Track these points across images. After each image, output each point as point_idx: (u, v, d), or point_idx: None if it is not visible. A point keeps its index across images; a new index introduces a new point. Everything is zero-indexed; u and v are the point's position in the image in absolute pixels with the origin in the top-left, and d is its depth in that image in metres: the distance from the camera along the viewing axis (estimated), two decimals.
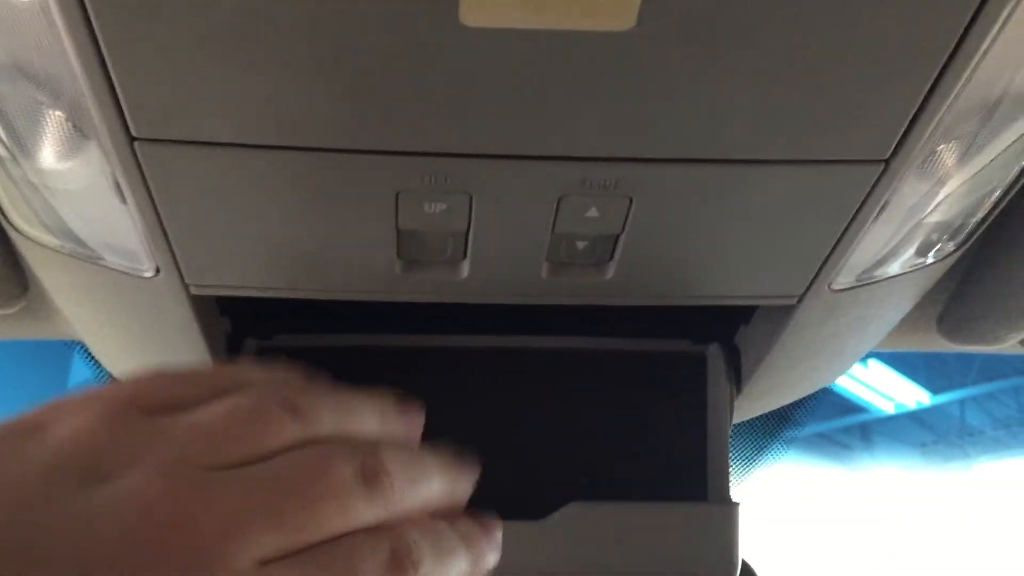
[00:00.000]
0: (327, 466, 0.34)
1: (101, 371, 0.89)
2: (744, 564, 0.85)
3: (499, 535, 0.43)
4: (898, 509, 6.58)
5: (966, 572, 6.08)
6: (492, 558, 0.41)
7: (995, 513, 6.43)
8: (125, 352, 0.68)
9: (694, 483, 0.64)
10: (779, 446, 1.09)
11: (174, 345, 0.60)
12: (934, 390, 6.97)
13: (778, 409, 0.88)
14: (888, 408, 6.99)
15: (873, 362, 6.07)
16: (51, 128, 0.45)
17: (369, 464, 0.36)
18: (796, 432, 1.09)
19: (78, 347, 0.91)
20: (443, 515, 0.40)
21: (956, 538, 6.39)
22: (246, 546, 0.31)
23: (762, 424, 1.09)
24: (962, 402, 7.21)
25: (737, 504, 0.61)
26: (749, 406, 0.72)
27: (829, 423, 7.08)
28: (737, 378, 0.67)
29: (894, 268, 0.57)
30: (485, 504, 0.64)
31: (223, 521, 0.31)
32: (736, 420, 0.75)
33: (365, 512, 0.35)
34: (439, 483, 0.40)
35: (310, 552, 0.32)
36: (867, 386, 6.49)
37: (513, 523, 0.58)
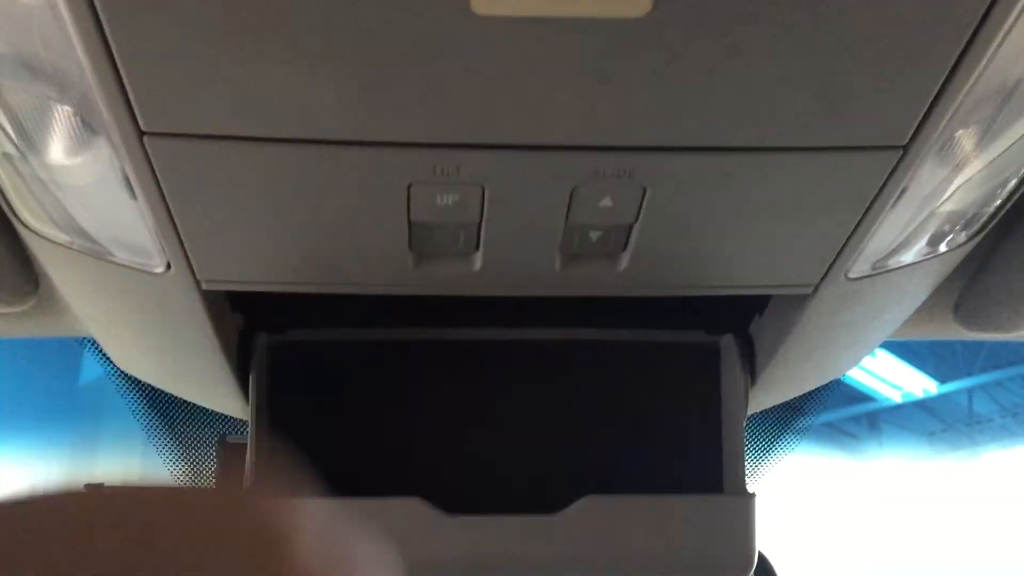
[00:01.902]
0: None
1: (112, 368, 0.88)
2: (760, 556, 0.85)
3: None
4: (906, 498, 6.57)
5: (973, 561, 6.08)
6: None
7: (1003, 501, 6.42)
8: (136, 349, 0.67)
9: (710, 474, 0.63)
10: (792, 436, 1.09)
11: (186, 341, 0.60)
12: (941, 379, 6.95)
13: (790, 400, 0.88)
14: (895, 397, 6.97)
15: (880, 351, 6.05)
16: (59, 123, 0.45)
17: None
18: (809, 422, 1.08)
19: (89, 344, 0.90)
20: None
21: (963, 526, 6.38)
22: None
23: (774, 415, 1.09)
24: (970, 390, 7.19)
25: (753, 495, 0.61)
26: (764, 397, 0.72)
27: (836, 412, 7.07)
28: (752, 369, 0.66)
29: (911, 256, 0.56)
30: (500, 497, 0.63)
31: None
32: (750, 411, 0.74)
33: None
34: None
35: None
36: (874, 375, 6.47)
37: (529, 516, 0.58)
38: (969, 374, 7.00)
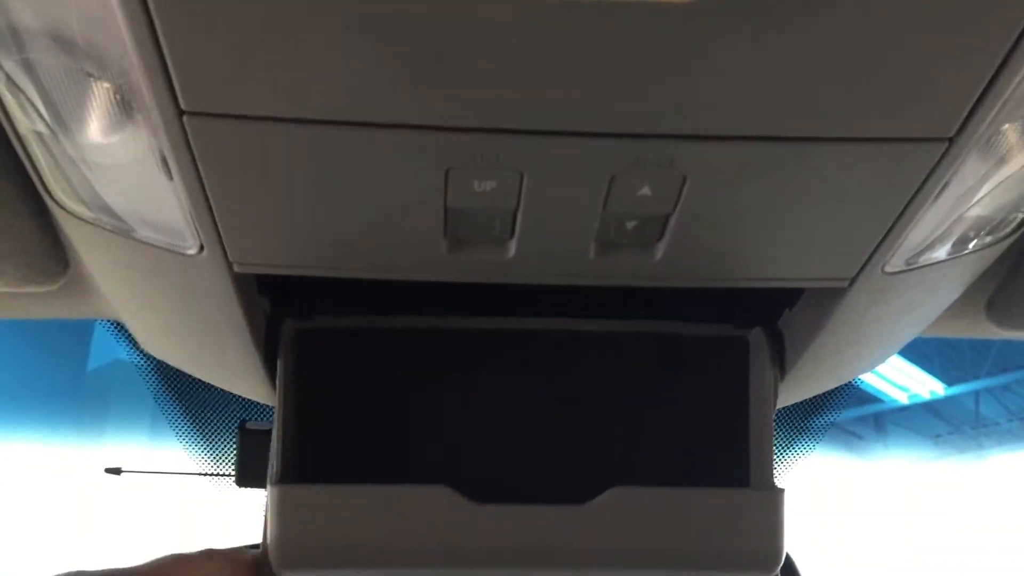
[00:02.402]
0: None
1: (135, 351, 0.88)
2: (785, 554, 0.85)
3: None
4: (911, 500, 6.56)
5: (977, 563, 6.07)
6: None
7: (1008, 504, 6.41)
8: (164, 331, 0.67)
9: (737, 469, 0.63)
10: (810, 436, 1.08)
11: (215, 325, 0.60)
12: (948, 381, 6.93)
13: (810, 398, 0.87)
14: (902, 399, 6.96)
15: None
16: (97, 101, 0.44)
17: None
18: (827, 420, 1.08)
19: (105, 327, 0.90)
20: None
21: (968, 529, 6.38)
22: None
23: (793, 414, 1.08)
24: (977, 393, 7.17)
25: (782, 490, 0.60)
26: (792, 391, 0.71)
27: (843, 413, 7.03)
28: (781, 363, 0.66)
29: (948, 252, 0.56)
30: (527, 487, 0.63)
31: None
32: (779, 405, 0.74)
33: None
34: None
35: None
36: (881, 376, 6.46)
37: (555, 507, 0.58)
38: (976, 377, 6.98)
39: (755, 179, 0.45)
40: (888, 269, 0.54)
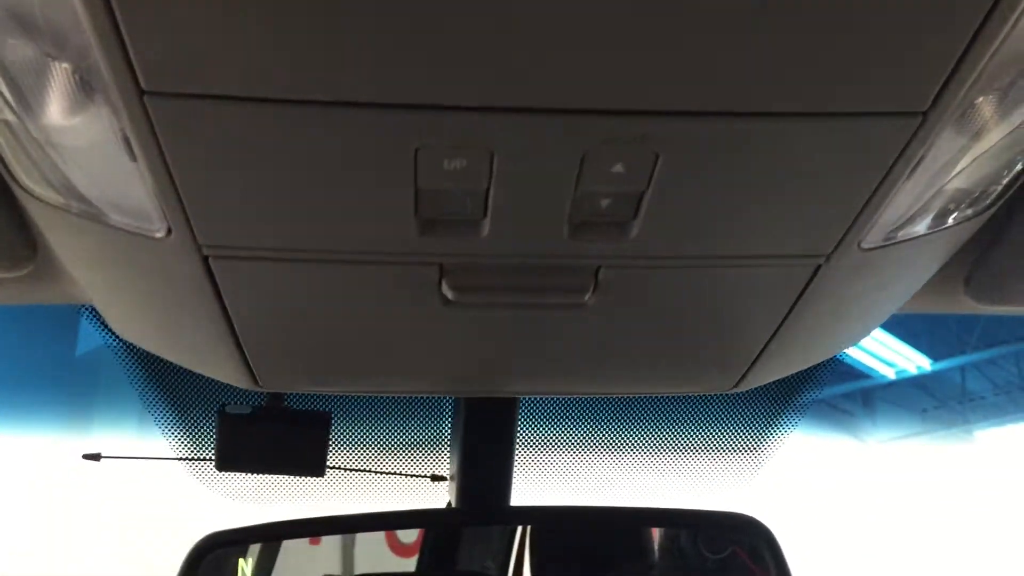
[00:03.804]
0: None
1: (111, 336, 0.88)
2: (766, 530, 0.85)
3: None
4: (899, 475, 6.61)
5: (964, 537, 6.13)
6: None
7: (995, 479, 6.46)
8: (136, 315, 0.66)
9: None
10: (793, 413, 1.09)
11: (187, 309, 0.59)
12: (935, 356, 6.96)
13: (790, 377, 0.87)
14: (889, 374, 6.99)
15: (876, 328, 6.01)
16: (57, 82, 0.44)
17: None
18: (811, 397, 1.08)
19: (86, 313, 0.89)
20: None
21: (955, 503, 6.44)
22: None
23: (775, 392, 1.09)
24: (963, 368, 7.21)
25: None
26: (770, 369, 0.71)
27: (830, 389, 7.07)
28: None
29: (925, 227, 0.56)
30: None
31: None
32: (755, 384, 0.74)
33: None
34: None
35: None
36: (869, 352, 6.48)
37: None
38: (963, 352, 7.02)
39: (728, 155, 0.45)
40: (865, 245, 0.53)
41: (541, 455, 1.13)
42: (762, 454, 1.10)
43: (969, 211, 0.57)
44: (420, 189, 0.46)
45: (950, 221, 0.57)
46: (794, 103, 0.42)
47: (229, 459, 0.91)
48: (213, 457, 0.92)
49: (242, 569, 1.07)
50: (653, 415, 1.12)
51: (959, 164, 0.51)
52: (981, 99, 0.45)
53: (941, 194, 0.53)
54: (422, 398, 1.10)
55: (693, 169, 0.46)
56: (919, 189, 0.51)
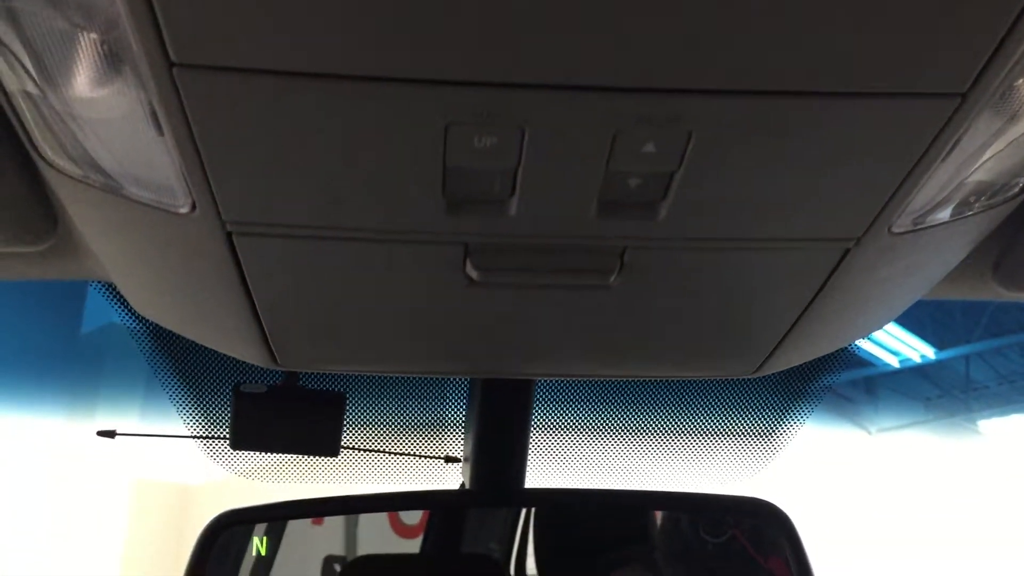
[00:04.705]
0: None
1: (128, 314, 0.87)
2: (777, 510, 0.84)
3: None
4: (902, 464, 6.62)
5: (966, 524, 6.15)
6: None
7: (998, 468, 6.47)
8: (157, 292, 0.66)
9: None
10: (808, 399, 1.08)
11: (209, 286, 0.59)
12: (939, 345, 6.95)
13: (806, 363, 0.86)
14: (893, 363, 6.98)
15: None
16: (84, 53, 0.43)
17: None
18: (827, 382, 1.07)
19: (97, 290, 0.89)
20: None
21: (958, 492, 6.45)
22: None
23: (791, 376, 1.08)
24: (967, 357, 7.20)
25: None
26: (792, 352, 0.70)
27: (838, 377, 7.04)
28: None
29: (956, 212, 0.55)
30: None
31: None
32: (777, 368, 0.73)
33: None
34: None
35: None
36: (873, 340, 6.48)
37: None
38: (968, 341, 7.01)
39: (763, 135, 0.44)
40: (895, 229, 0.53)
41: (554, 438, 1.13)
42: (777, 441, 1.10)
43: (1000, 196, 0.56)
44: (449, 167, 0.46)
45: (981, 206, 0.56)
46: (831, 82, 0.41)
47: (243, 438, 0.91)
48: (227, 436, 0.92)
49: (257, 547, 1.08)
50: (664, 400, 1.12)
51: (993, 148, 0.50)
52: (1021, 81, 0.44)
53: (974, 179, 0.52)
54: (437, 379, 1.10)
55: (726, 149, 0.45)
56: (952, 173, 0.50)
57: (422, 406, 1.13)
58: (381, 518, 1.22)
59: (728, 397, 1.10)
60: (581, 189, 0.48)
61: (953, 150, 0.47)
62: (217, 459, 1.07)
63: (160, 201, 0.51)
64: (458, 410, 1.09)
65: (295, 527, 1.17)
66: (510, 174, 0.47)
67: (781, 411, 1.09)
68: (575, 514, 1.14)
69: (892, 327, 6.36)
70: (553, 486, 1.06)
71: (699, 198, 0.49)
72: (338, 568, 1.19)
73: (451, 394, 1.11)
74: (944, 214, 0.55)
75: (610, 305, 0.61)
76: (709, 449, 1.13)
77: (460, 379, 1.07)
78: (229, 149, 0.45)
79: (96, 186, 0.52)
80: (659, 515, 1.16)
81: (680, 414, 1.11)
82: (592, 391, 1.13)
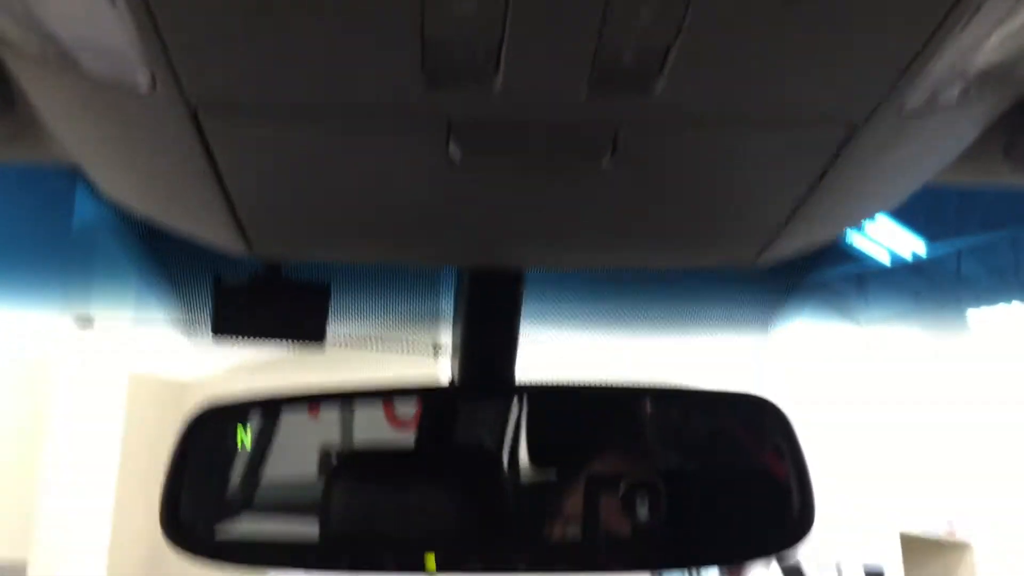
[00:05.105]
0: None
1: (104, 200, 0.84)
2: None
3: None
4: (891, 358, 6.74)
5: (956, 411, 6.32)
6: None
7: (986, 359, 6.59)
8: (123, 175, 0.63)
9: None
10: (802, 292, 1.07)
11: (176, 168, 0.56)
12: (931, 239, 6.96)
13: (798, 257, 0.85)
14: (883, 258, 7.00)
15: None
16: None
17: None
18: (818, 278, 1.06)
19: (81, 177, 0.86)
20: None
21: (948, 382, 6.59)
22: None
23: (784, 267, 1.06)
24: (959, 252, 7.23)
25: None
26: (793, 239, 0.68)
27: (829, 271, 7.09)
28: None
29: (969, 91, 0.52)
30: None
31: None
32: (777, 256, 0.71)
33: None
34: None
35: None
36: (864, 235, 6.48)
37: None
38: (959, 235, 7.02)
39: (765, 1, 0.41)
40: (904, 108, 0.50)
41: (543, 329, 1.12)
42: (765, 330, 1.09)
43: (1015, 75, 0.53)
44: (427, 38, 0.42)
45: (993, 88, 0.53)
46: None
47: (224, 326, 0.90)
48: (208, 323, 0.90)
49: (241, 439, 1.07)
50: (659, 291, 1.10)
51: (1011, 22, 0.47)
52: None
53: (986, 59, 0.49)
54: (424, 271, 1.08)
55: (726, 17, 0.42)
56: (965, 50, 0.47)
57: (408, 298, 1.11)
58: (377, 412, 1.22)
59: (721, 289, 1.09)
60: (571, 62, 0.44)
61: (970, 22, 0.43)
62: (200, 342, 1.05)
63: (119, 77, 0.47)
64: (445, 303, 1.08)
65: (290, 417, 1.18)
66: (495, 46, 0.43)
67: (771, 303, 1.08)
68: (568, 407, 1.14)
69: (883, 220, 6.35)
70: (543, 380, 1.06)
71: (697, 72, 0.46)
72: (334, 459, 1.20)
73: (438, 287, 1.10)
74: (956, 93, 0.52)
75: (603, 190, 0.59)
76: (700, 339, 1.13)
77: (447, 272, 1.05)
78: (186, 15, 0.41)
79: (55, 63, 0.49)
80: (652, 408, 1.16)
81: (670, 305, 1.10)
82: (582, 282, 1.11)
